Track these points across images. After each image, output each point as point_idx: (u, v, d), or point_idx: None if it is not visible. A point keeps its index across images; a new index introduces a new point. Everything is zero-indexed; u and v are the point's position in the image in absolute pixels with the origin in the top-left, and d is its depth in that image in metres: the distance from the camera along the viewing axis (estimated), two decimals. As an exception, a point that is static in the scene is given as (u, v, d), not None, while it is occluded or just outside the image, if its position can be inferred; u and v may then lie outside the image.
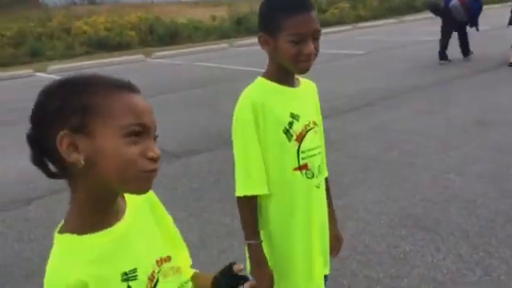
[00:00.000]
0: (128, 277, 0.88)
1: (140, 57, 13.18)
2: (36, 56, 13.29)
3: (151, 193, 1.02)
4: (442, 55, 9.13)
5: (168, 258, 0.99)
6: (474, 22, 8.78)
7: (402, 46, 11.94)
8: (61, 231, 0.88)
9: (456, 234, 3.23)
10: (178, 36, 15.87)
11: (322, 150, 1.67)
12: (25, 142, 0.88)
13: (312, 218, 1.63)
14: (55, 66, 11.91)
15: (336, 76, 8.55)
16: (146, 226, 0.98)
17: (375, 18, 19.88)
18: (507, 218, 3.38)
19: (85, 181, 0.85)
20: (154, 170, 0.86)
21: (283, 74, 1.56)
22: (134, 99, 0.87)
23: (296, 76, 1.64)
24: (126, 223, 0.92)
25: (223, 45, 14.87)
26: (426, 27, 14.45)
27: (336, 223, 1.83)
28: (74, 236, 0.86)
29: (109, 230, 0.89)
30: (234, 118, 1.58)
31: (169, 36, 15.63)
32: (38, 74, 11.46)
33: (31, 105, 0.89)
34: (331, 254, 1.80)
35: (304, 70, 1.53)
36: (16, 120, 6.52)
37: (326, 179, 1.78)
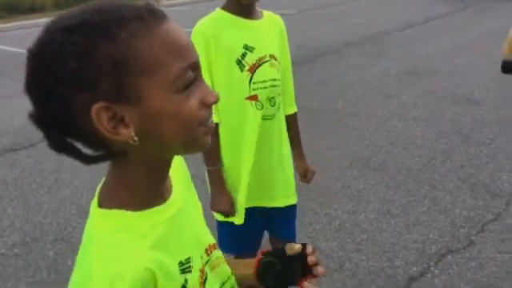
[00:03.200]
0: (184, 267, 0.70)
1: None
2: None
3: (187, 170, 0.86)
4: None
5: (215, 245, 0.81)
6: None
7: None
8: (104, 206, 0.67)
9: (402, 171, 3.45)
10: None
11: (282, 85, 1.67)
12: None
13: (263, 148, 1.65)
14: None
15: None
16: (190, 205, 0.80)
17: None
18: (446, 155, 3.66)
19: (136, 154, 0.66)
20: (211, 119, 0.69)
21: (241, 5, 1.57)
22: (174, 32, 0.63)
23: (260, 9, 1.65)
24: (176, 202, 0.73)
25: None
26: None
27: (303, 157, 1.88)
28: (130, 212, 0.66)
29: (163, 206, 0.70)
30: None
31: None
32: None
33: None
34: (302, 181, 1.89)
35: None
36: None
37: (294, 115, 1.82)
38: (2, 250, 2.78)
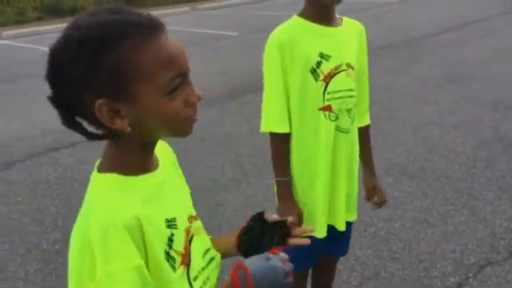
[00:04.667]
0: (170, 224, 0.85)
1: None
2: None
3: (175, 158, 1.01)
4: None
5: (196, 217, 0.96)
6: None
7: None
8: (100, 171, 0.83)
9: (441, 179, 3.38)
10: (134, 1, 15.30)
11: (355, 94, 1.60)
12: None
13: (336, 162, 1.60)
14: (9, 32, 11.26)
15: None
16: (176, 183, 0.96)
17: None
18: (486, 164, 3.57)
19: (130, 136, 0.81)
20: (195, 114, 0.83)
21: (319, 12, 1.53)
22: (167, 45, 0.77)
23: (340, 16, 1.60)
24: (162, 174, 0.89)
25: (185, 8, 14.48)
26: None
27: (373, 174, 1.79)
28: (122, 176, 0.82)
29: (152, 174, 0.86)
30: (264, 56, 1.57)
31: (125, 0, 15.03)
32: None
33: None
34: (370, 202, 1.79)
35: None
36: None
37: (367, 127, 1.75)
38: (45, 247, 2.89)
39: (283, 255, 0.90)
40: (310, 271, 1.92)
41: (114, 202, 0.79)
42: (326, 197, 1.62)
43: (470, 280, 2.38)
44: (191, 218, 0.93)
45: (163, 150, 0.94)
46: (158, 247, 0.80)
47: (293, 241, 1.03)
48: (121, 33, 0.74)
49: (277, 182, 1.63)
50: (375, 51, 7.10)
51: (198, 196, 3.41)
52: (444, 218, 2.91)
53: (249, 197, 3.26)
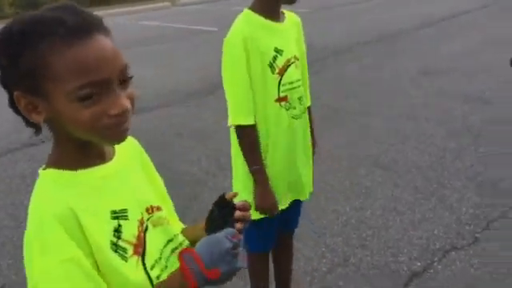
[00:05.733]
0: (118, 215, 0.85)
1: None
2: (-39, 18, 12.24)
3: (143, 152, 1.03)
4: None
5: (159, 208, 0.97)
6: None
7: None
8: (45, 168, 0.85)
9: (412, 170, 3.48)
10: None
11: (302, 83, 1.75)
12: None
13: (295, 146, 1.74)
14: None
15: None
16: (135, 175, 0.96)
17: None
18: (455, 154, 3.67)
19: (59, 131, 0.83)
20: (120, 124, 0.80)
21: (269, 7, 1.62)
22: (86, 51, 0.75)
23: (281, 10, 1.69)
24: (114, 166, 0.89)
25: (165, 3, 14.42)
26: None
27: (314, 144, 1.94)
28: (61, 170, 0.83)
29: (96, 168, 0.86)
30: (224, 52, 1.63)
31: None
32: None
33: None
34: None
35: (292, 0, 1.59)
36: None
37: (309, 108, 1.88)
38: (18, 242, 2.88)
39: (231, 230, 0.91)
40: (272, 259, 2.06)
41: (48, 195, 0.81)
42: (288, 177, 1.76)
43: (435, 264, 2.47)
44: (151, 209, 0.94)
45: (126, 143, 0.92)
46: (101, 238, 0.82)
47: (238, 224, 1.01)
48: (42, 31, 0.76)
49: (252, 170, 1.70)
50: (352, 47, 7.21)
51: (175, 189, 3.43)
52: (413, 207, 3.00)
53: (225, 190, 3.26)
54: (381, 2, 11.51)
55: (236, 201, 1.05)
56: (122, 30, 10.44)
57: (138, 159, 1.00)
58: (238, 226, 0.98)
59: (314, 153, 1.93)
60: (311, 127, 1.90)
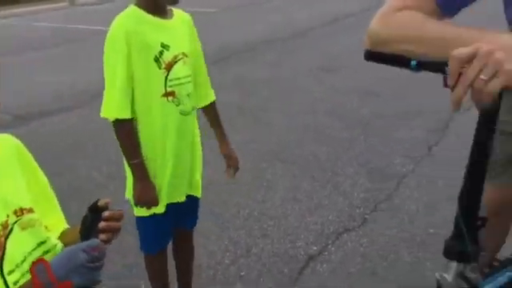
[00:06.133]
0: None
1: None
2: None
3: (22, 148, 1.01)
4: None
5: (30, 210, 0.95)
6: None
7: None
8: None
9: (310, 161, 3.68)
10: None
11: (192, 79, 1.78)
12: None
13: (182, 142, 1.77)
14: None
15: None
16: (7, 176, 0.95)
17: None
18: (349, 144, 3.94)
19: None
20: None
21: (153, 5, 1.65)
22: None
23: (170, 7, 1.73)
24: None
25: (62, 3, 13.67)
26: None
27: (227, 144, 1.99)
28: None
29: None
30: (107, 44, 1.63)
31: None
32: None
33: None
34: (230, 169, 1.99)
35: (175, 1, 1.64)
36: None
37: (213, 103, 1.94)
38: None
39: (94, 241, 0.91)
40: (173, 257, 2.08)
41: None
42: (172, 175, 1.77)
43: (329, 247, 2.65)
44: (21, 211, 0.93)
45: (1, 144, 0.92)
46: None
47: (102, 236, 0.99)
48: None
49: (130, 165, 1.71)
50: (254, 46, 7.40)
51: (73, 195, 3.32)
52: (310, 195, 3.19)
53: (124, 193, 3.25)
54: (280, 5, 11.92)
55: (110, 209, 1.03)
56: (15, 33, 9.76)
57: (15, 158, 0.98)
58: (102, 237, 0.96)
59: (227, 145, 1.97)
60: (217, 121, 1.95)
